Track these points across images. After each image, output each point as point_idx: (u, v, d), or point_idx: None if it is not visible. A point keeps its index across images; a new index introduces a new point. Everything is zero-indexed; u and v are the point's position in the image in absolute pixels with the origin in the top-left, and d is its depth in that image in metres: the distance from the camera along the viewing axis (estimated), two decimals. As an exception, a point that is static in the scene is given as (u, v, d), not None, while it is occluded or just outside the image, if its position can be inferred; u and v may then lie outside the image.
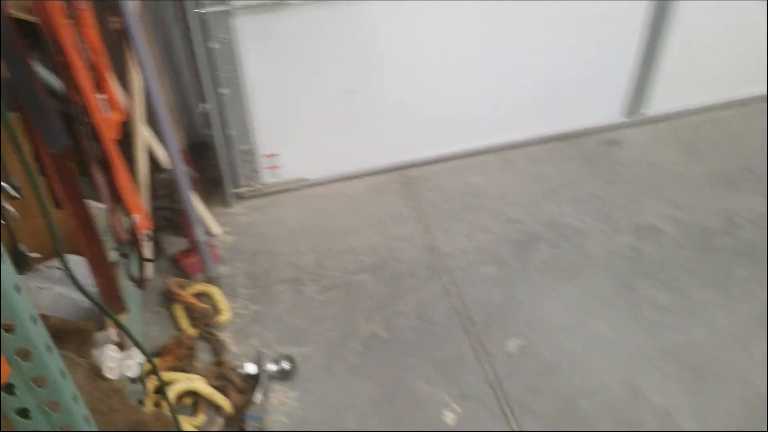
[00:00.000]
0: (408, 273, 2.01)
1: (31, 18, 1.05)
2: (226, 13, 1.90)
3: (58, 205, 1.13)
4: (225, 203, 2.27)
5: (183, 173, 1.84)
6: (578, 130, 2.49)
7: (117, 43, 1.86)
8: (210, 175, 2.35)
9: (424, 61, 2.17)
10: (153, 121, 1.96)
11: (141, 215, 1.82)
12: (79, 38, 1.66)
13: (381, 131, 2.29)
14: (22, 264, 1.57)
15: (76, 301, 1.56)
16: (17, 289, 0.70)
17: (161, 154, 1.98)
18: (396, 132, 2.30)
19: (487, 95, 2.30)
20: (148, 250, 2.00)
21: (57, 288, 1.56)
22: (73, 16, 1.60)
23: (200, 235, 1.91)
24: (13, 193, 0.94)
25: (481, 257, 2.05)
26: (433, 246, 2.09)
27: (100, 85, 1.80)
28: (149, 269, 2.03)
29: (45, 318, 1.42)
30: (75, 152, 1.22)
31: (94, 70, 1.76)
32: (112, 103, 1.83)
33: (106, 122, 1.82)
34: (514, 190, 2.29)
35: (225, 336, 1.87)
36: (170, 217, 2.16)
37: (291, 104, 2.15)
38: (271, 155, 2.23)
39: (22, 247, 1.45)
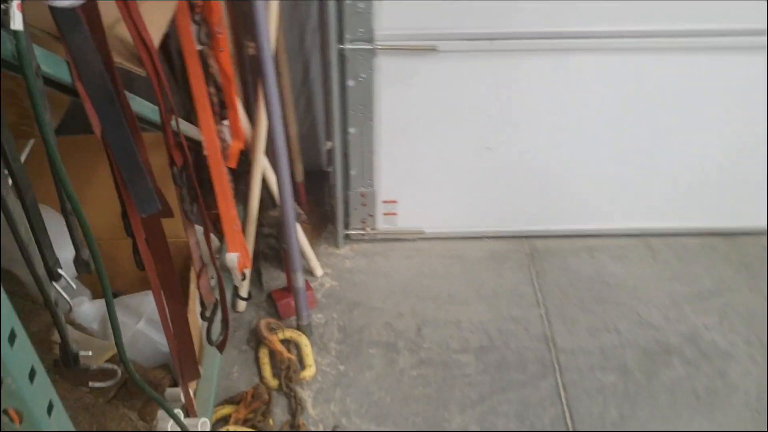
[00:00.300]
0: (517, 364, 1.79)
1: (140, 71, 0.93)
2: (369, 52, 1.75)
3: (140, 266, 1.01)
4: (333, 242, 2.14)
5: (292, 215, 1.71)
6: (743, 228, 2.16)
7: (252, 68, 1.76)
8: (324, 208, 2.22)
9: (572, 126, 1.93)
10: (270, 154, 1.85)
11: (241, 253, 1.71)
12: (211, 62, 1.57)
13: (511, 194, 2.07)
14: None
15: (156, 343, 1.46)
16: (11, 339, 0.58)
17: (275, 189, 1.86)
18: (528, 197, 2.08)
19: (637, 173, 2.03)
20: (244, 288, 1.90)
21: (139, 325, 1.46)
22: (208, 40, 1.50)
23: (299, 283, 1.78)
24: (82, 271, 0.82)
25: (603, 362, 1.79)
26: (550, 337, 1.86)
27: (225, 112, 1.70)
28: (242, 306, 1.93)
29: (117, 363, 1.32)
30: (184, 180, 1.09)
31: (221, 95, 1.67)
32: (234, 131, 1.73)
33: (226, 150, 1.72)
34: (654, 288, 2.00)
35: (306, 394, 1.73)
36: (276, 247, 2.05)
37: (419, 152, 1.98)
38: (390, 201, 2.07)
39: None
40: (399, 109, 1.89)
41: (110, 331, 1.47)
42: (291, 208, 1.70)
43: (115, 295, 1.66)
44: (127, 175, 0.94)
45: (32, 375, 0.63)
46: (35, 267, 0.65)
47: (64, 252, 1.51)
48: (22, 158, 0.86)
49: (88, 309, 1.48)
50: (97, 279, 1.57)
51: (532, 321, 1.90)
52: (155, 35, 0.96)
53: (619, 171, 2.03)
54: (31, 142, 0.91)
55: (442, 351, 1.83)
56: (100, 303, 1.55)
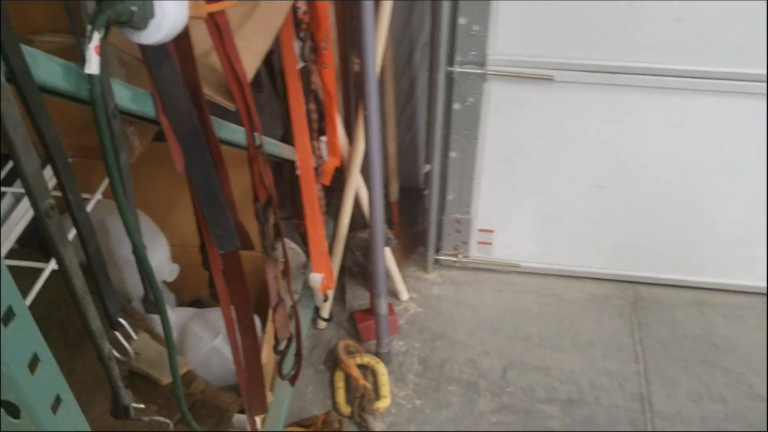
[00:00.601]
0: (606, 423, 1.65)
1: (230, 105, 0.88)
2: (480, 77, 1.65)
3: (215, 300, 0.97)
4: (422, 266, 2.06)
5: (381, 239, 1.64)
6: None
7: (355, 85, 1.70)
8: (416, 229, 2.15)
9: (692, 170, 1.76)
10: (366, 173, 1.79)
11: (326, 275, 1.66)
12: (314, 78, 1.52)
13: (619, 235, 1.92)
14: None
15: (231, 362, 1.42)
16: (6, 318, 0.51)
17: (367, 209, 1.80)
18: (637, 240, 1.92)
19: (759, 224, 1.83)
20: (326, 309, 1.85)
21: (216, 341, 1.44)
22: (312, 56, 1.45)
23: (382, 309, 1.71)
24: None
25: (704, 434, 1.63)
26: (647, 398, 1.71)
27: (324, 128, 1.65)
28: (322, 324, 1.88)
29: (189, 381, 1.29)
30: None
31: (322, 110, 1.62)
32: (331, 148, 1.68)
33: (321, 167, 1.67)
34: (771, 356, 1.81)
35: (378, 426, 1.66)
36: (363, 264, 1.99)
37: (522, 183, 1.86)
38: (486, 230, 1.97)
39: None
40: (505, 137, 1.78)
41: (186, 345, 1.46)
42: (381, 232, 1.63)
43: (199, 304, 1.65)
44: (207, 211, 0.89)
45: (33, 363, 0.55)
46: (89, 321, 0.61)
47: (158, 254, 1.51)
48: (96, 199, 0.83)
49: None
50: (182, 283, 1.57)
51: (629, 377, 1.76)
52: (251, 65, 0.90)
53: (742, 222, 1.84)
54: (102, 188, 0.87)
55: (527, 398, 1.71)
56: (182, 312, 1.54)
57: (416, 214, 2.18)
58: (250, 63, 0.92)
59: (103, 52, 0.59)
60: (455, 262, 2.03)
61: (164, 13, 0.66)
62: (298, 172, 1.48)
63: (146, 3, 0.65)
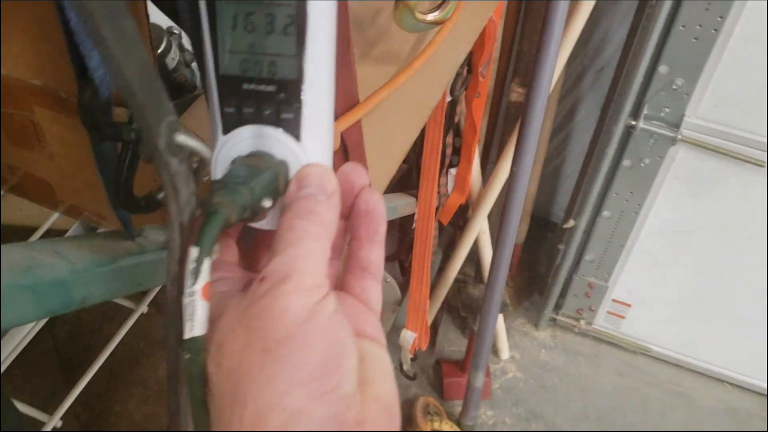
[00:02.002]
0: None
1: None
2: (667, 139, 1.30)
3: None
4: (533, 320, 1.76)
5: (497, 305, 1.36)
6: None
7: (508, 117, 1.38)
8: (535, 273, 1.84)
9: None
10: (493, 219, 1.49)
11: (420, 334, 1.41)
12: (459, 108, 1.22)
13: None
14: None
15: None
16: None
17: (486, 261, 1.51)
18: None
19: None
20: (408, 366, 1.60)
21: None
22: (464, 86, 1.15)
23: (477, 382, 1.45)
24: None
25: None
26: None
27: (456, 160, 1.36)
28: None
29: None
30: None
31: (458, 142, 1.33)
32: (460, 184, 1.39)
33: (442, 205, 1.40)
34: None
35: None
36: (466, 303, 1.72)
37: (682, 264, 1.52)
38: (623, 303, 1.64)
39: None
40: (677, 212, 1.43)
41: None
42: (499, 295, 1.34)
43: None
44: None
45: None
46: None
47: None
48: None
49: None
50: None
51: None
52: (388, 170, 0.63)
53: None
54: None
55: None
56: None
57: (539, 252, 1.87)
58: (386, 169, 0.64)
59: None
60: (574, 326, 1.72)
61: None
62: (415, 225, 1.21)
63: (276, 172, 0.40)
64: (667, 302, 1.61)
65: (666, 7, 1.15)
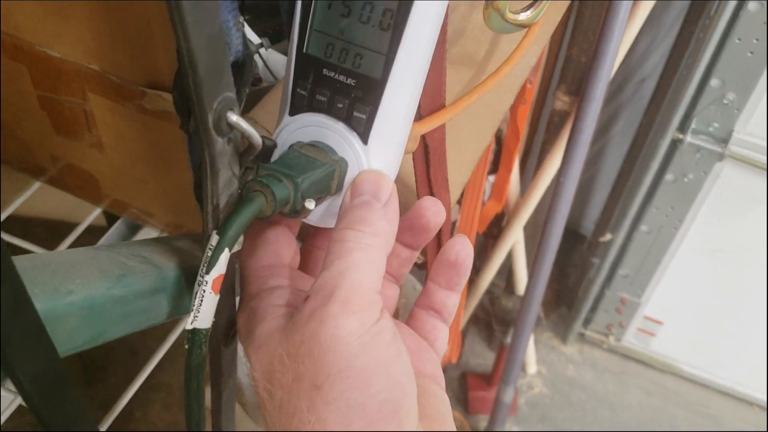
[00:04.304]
0: None
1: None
2: (714, 155, 1.26)
3: None
4: (561, 334, 1.72)
5: (533, 318, 1.32)
6: None
7: (551, 126, 1.34)
8: (564, 285, 1.80)
9: None
10: (542, 230, 1.45)
11: (451, 347, 1.37)
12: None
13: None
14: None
15: None
16: None
17: (519, 272, 1.47)
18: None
19: None
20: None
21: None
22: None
23: (506, 397, 1.41)
24: None
25: None
26: None
27: (496, 167, 1.33)
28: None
29: None
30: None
31: (499, 150, 1.29)
32: (498, 192, 1.36)
33: (480, 212, 1.36)
34: None
35: None
36: (497, 315, 1.68)
37: (720, 283, 1.48)
38: (655, 320, 1.60)
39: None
40: (718, 230, 1.39)
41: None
42: (535, 309, 1.31)
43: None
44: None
45: None
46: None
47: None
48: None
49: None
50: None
51: None
52: (458, 185, 0.59)
53: None
54: None
55: None
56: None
57: (568, 264, 1.83)
58: (461, 174, 0.61)
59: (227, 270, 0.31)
60: (603, 342, 1.68)
61: None
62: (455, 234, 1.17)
63: (333, 170, 0.36)
64: (699, 321, 1.57)
65: (724, 19, 1.11)
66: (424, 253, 0.62)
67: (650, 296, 1.56)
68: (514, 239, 1.43)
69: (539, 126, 1.45)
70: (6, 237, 0.73)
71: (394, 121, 0.37)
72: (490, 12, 0.55)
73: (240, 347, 0.36)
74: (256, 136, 0.32)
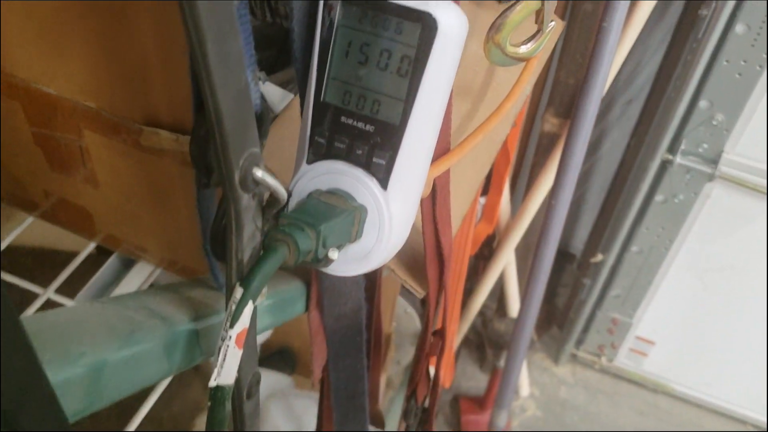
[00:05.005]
0: None
1: (421, 292, 0.57)
2: (704, 175, 1.27)
3: None
4: (552, 355, 1.72)
5: (526, 341, 1.32)
6: None
7: (538, 145, 1.35)
8: (553, 306, 1.80)
9: None
10: (522, 251, 1.45)
11: (444, 373, 1.36)
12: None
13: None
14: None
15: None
16: None
17: (511, 294, 1.47)
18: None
19: None
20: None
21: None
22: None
23: (500, 421, 1.40)
24: None
25: None
26: None
27: (487, 189, 1.33)
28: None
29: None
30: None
31: (490, 170, 1.29)
32: (489, 213, 1.35)
33: (472, 235, 1.35)
34: None
35: None
36: (487, 336, 1.67)
37: (711, 302, 1.48)
38: (646, 340, 1.60)
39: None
40: (709, 250, 1.40)
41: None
42: (529, 332, 1.30)
43: (287, 356, 1.39)
44: (340, 415, 0.59)
45: None
46: None
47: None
48: None
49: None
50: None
51: None
52: (457, 218, 0.58)
53: None
54: None
55: None
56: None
57: (558, 284, 1.83)
58: (460, 207, 0.60)
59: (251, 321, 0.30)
60: (595, 363, 1.68)
61: (387, 237, 0.36)
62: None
63: (353, 217, 0.35)
64: (691, 341, 1.57)
65: (712, 42, 1.12)
66: (425, 286, 0.61)
67: (642, 316, 1.56)
68: (506, 261, 1.42)
69: (528, 148, 1.45)
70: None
71: (413, 166, 0.37)
72: (491, 46, 0.55)
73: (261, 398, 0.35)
74: (282, 191, 0.31)
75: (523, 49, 0.58)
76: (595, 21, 1.14)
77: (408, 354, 1.52)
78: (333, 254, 0.33)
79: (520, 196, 1.48)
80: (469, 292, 1.47)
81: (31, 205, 0.72)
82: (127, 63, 0.53)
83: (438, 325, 0.64)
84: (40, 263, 0.96)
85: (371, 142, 0.36)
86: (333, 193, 0.37)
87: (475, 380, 1.64)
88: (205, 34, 0.23)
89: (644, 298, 1.52)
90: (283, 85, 0.72)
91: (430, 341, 0.64)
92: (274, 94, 0.68)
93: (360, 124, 0.36)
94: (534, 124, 1.41)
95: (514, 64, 0.59)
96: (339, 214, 0.35)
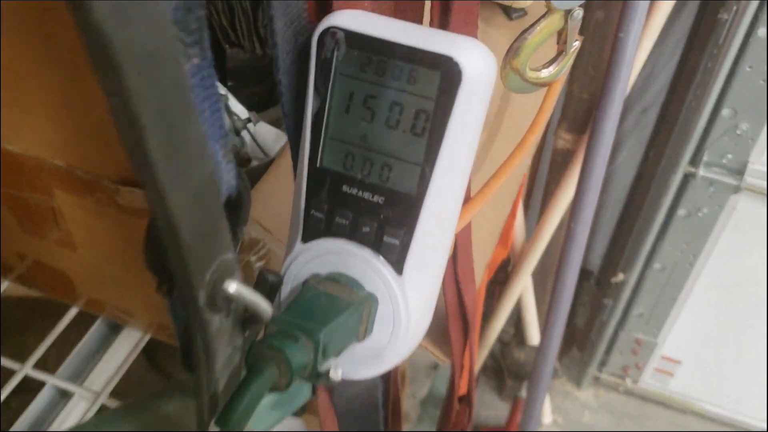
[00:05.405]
0: None
1: (446, 360, 0.50)
2: (728, 187, 1.20)
3: None
4: (574, 378, 1.64)
5: (549, 371, 1.24)
6: None
7: (552, 163, 1.28)
8: (572, 327, 1.72)
9: None
10: (555, 279, 1.38)
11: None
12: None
13: None
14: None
15: None
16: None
17: (530, 321, 1.39)
18: None
19: None
20: None
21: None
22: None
23: (525, 456, 1.32)
24: None
25: None
26: None
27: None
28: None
29: None
30: None
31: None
32: (502, 236, 1.28)
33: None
34: None
35: None
36: (509, 363, 1.60)
37: (740, 318, 1.41)
38: (672, 360, 1.52)
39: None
40: (736, 264, 1.32)
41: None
42: (551, 361, 1.22)
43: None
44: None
45: None
46: None
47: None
48: None
49: None
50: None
51: None
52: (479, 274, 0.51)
53: None
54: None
55: None
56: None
57: (576, 303, 1.75)
58: (481, 261, 0.53)
59: None
60: (619, 385, 1.60)
61: (404, 332, 0.29)
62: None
63: (361, 311, 0.28)
64: (719, 358, 1.49)
65: (734, 47, 1.05)
66: (448, 352, 0.54)
67: (667, 335, 1.48)
68: (522, 286, 1.35)
69: (540, 165, 1.38)
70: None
71: (434, 244, 0.30)
72: (508, 72, 0.48)
73: None
74: (266, 308, 0.24)
75: (545, 73, 0.52)
76: (608, 30, 1.08)
77: (423, 386, 1.45)
78: (335, 373, 0.26)
79: (534, 217, 1.41)
80: (484, 316, 1.40)
81: (5, 268, 0.65)
82: (97, 117, 0.46)
83: (463, 390, 0.57)
84: (20, 325, 0.89)
85: (381, 216, 0.29)
86: (335, 280, 0.30)
87: (494, 408, 1.56)
88: (145, 128, 0.16)
89: (669, 317, 1.44)
90: (279, 122, 0.65)
91: (456, 409, 0.57)
92: (268, 134, 0.61)
93: (366, 195, 0.29)
94: (546, 141, 1.34)
95: (534, 90, 0.53)
96: (343, 310, 0.28)
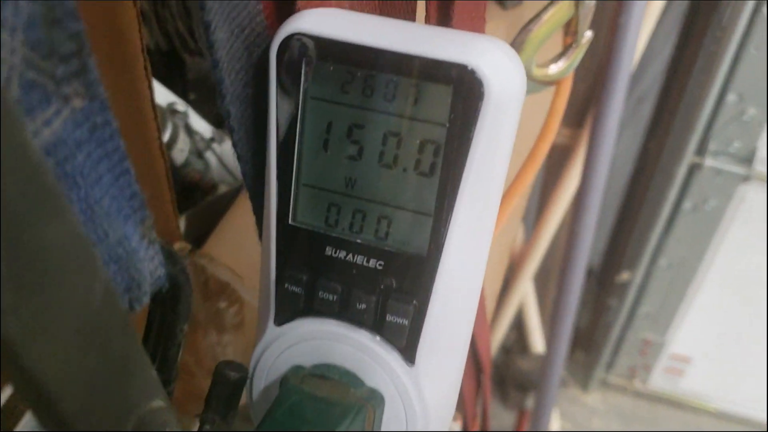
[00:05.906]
0: None
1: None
2: (737, 177, 1.13)
3: None
4: (581, 382, 1.57)
5: (555, 382, 1.17)
6: None
7: (550, 159, 1.20)
8: (578, 329, 1.65)
9: None
10: (541, 282, 1.31)
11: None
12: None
13: None
14: None
15: None
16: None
17: (532, 328, 1.32)
18: None
19: None
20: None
21: None
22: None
23: (536, 471, 1.25)
24: None
25: None
26: None
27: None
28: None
29: None
30: None
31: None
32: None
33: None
34: None
35: None
36: (513, 369, 1.52)
37: (751, 314, 1.34)
38: (682, 358, 1.45)
39: None
40: (746, 258, 1.26)
41: None
42: (558, 373, 1.15)
43: None
44: None
45: None
46: None
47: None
48: None
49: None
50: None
51: None
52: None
53: None
54: None
55: None
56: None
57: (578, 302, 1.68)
58: (491, 293, 0.45)
59: None
60: (627, 387, 1.53)
61: None
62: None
63: (363, 416, 0.20)
64: (730, 354, 1.43)
65: (739, 29, 0.98)
66: (459, 406, 0.47)
67: (675, 334, 1.42)
68: (523, 291, 1.28)
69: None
70: None
71: (456, 319, 0.22)
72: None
73: None
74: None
75: (554, 69, 0.45)
76: (604, 17, 1.00)
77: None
78: None
79: (532, 217, 1.33)
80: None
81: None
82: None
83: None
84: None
85: (381, 287, 0.21)
86: (323, 375, 0.22)
87: (499, 418, 1.49)
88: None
89: (677, 315, 1.38)
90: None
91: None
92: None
93: (359, 259, 0.21)
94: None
95: (541, 90, 0.46)
96: (339, 419, 0.20)
